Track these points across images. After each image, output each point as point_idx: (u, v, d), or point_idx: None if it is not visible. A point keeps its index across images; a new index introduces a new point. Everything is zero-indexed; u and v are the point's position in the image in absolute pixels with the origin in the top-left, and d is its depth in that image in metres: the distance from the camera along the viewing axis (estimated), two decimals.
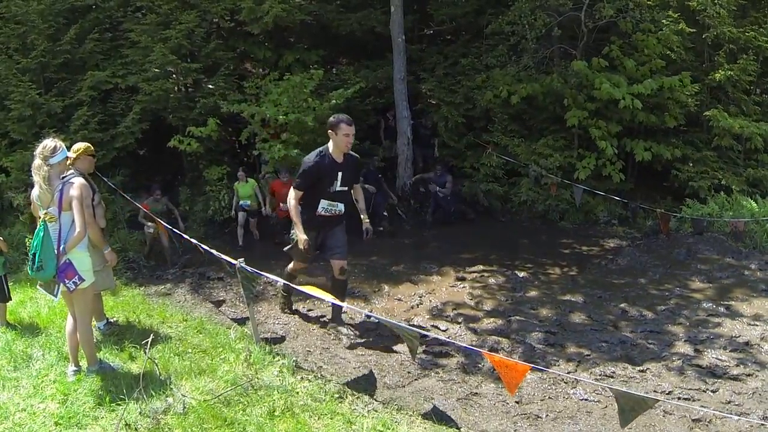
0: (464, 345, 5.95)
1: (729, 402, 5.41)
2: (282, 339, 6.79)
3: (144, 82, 11.81)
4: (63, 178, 5.20)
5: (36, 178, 5.13)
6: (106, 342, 6.24)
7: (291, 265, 7.21)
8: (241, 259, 6.28)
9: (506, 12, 13.04)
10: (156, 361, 5.62)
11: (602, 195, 12.03)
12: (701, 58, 13.44)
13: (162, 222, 9.20)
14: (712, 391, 5.62)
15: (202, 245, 7.50)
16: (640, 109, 11.81)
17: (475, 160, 13.38)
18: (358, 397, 5.36)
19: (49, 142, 5.17)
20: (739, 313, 7.37)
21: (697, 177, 12.21)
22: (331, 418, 4.88)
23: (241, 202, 11.18)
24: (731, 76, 12.52)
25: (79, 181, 5.22)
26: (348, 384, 5.62)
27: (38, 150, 5.16)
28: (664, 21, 12.41)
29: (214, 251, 7.08)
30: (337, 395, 5.29)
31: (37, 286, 5.66)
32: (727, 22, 12.69)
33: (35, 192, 5.21)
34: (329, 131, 6.59)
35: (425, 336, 6.26)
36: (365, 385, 5.67)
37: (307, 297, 7.37)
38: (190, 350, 6.11)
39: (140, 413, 4.76)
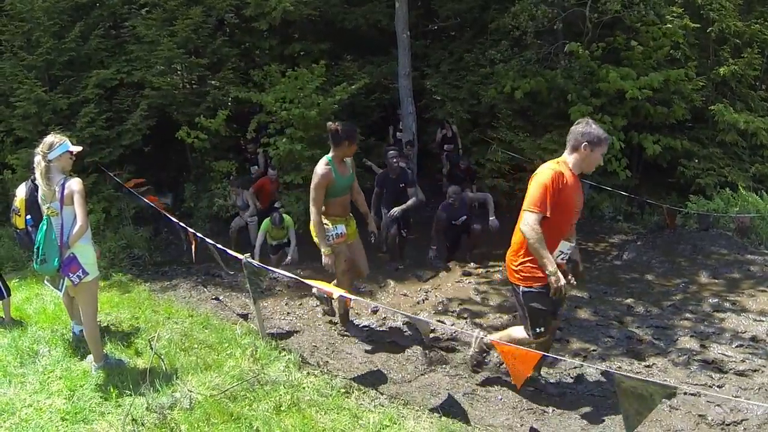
0: (475, 334, 5.94)
1: (735, 397, 5.39)
2: (288, 334, 6.79)
3: (150, 77, 11.82)
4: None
5: (36, 173, 5.15)
6: (113, 337, 6.25)
7: None
8: (248, 255, 6.29)
9: (511, 8, 13.02)
10: (162, 356, 5.63)
11: (607, 191, 12.01)
12: (706, 53, 13.39)
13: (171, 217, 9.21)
14: (718, 387, 5.61)
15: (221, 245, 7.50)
16: (647, 101, 11.75)
17: (481, 156, 13.37)
18: (364, 392, 5.36)
19: (47, 138, 5.18)
20: (744, 309, 7.35)
21: (703, 174, 12.18)
22: (338, 413, 4.88)
23: (274, 243, 10.52)
24: (736, 71, 12.47)
25: (78, 178, 5.24)
26: (354, 379, 5.62)
27: (39, 147, 5.18)
28: (669, 17, 12.37)
29: (220, 246, 7.10)
30: (343, 390, 5.29)
31: (44, 281, 5.68)
32: (733, 15, 12.64)
33: (40, 189, 5.21)
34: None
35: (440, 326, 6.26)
36: (371, 380, 5.67)
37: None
38: (196, 346, 6.11)
39: (147, 408, 4.77)
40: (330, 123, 6.31)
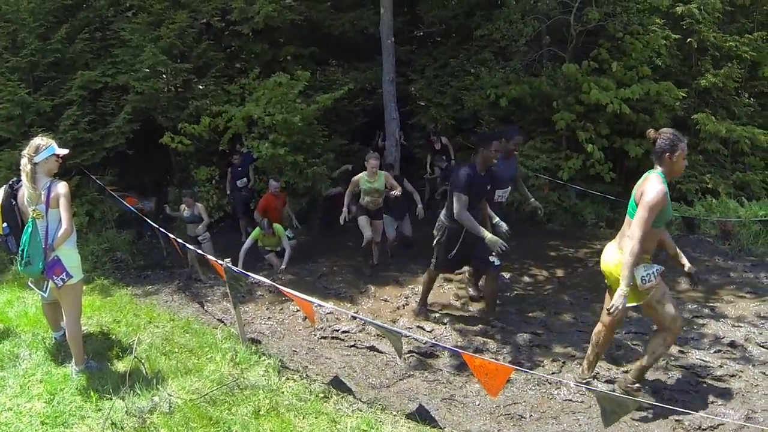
0: (448, 347, 5.98)
1: (712, 403, 5.45)
2: (268, 339, 6.80)
3: (134, 81, 11.80)
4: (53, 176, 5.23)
5: (22, 176, 5.15)
6: (94, 341, 6.24)
7: None
8: (228, 259, 6.30)
9: (496, 14, 13.09)
10: (142, 360, 5.64)
11: (590, 197, 12.08)
12: (688, 62, 13.51)
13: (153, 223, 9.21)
14: (696, 392, 5.66)
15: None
16: (627, 114, 11.83)
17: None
18: (342, 397, 5.39)
19: (34, 141, 5.19)
20: (724, 315, 7.41)
21: (684, 180, 12.26)
22: (316, 418, 4.90)
23: (268, 249, 10.39)
24: (716, 83, 12.59)
25: (64, 182, 5.24)
26: (333, 384, 5.64)
27: (25, 150, 5.18)
28: (651, 27, 12.45)
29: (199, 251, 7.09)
30: (321, 395, 5.32)
31: (29, 283, 5.67)
32: (713, 27, 12.75)
33: (25, 192, 5.20)
34: None
35: (413, 337, 6.29)
36: (350, 385, 5.70)
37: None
38: (176, 350, 6.11)
39: (126, 412, 4.77)
40: (650, 131, 4.99)
